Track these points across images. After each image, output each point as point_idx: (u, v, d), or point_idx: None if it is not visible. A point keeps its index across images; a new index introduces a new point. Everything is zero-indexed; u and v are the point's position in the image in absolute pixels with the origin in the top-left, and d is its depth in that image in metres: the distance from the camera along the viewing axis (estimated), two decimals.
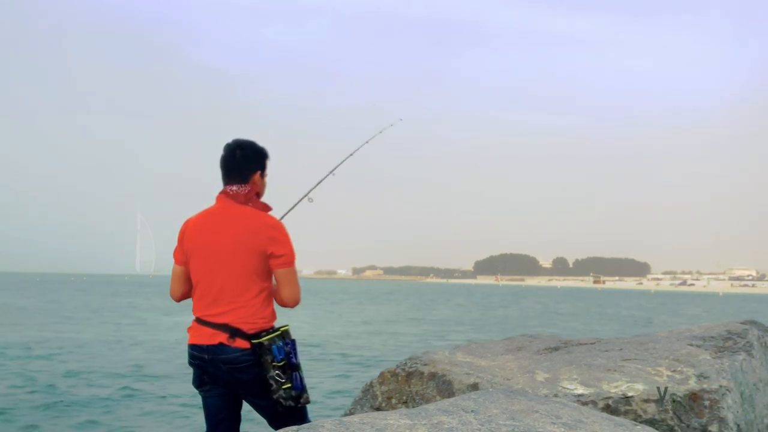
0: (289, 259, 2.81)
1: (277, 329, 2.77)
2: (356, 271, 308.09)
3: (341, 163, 3.73)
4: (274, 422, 2.77)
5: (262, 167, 2.94)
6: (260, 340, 2.69)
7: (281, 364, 2.69)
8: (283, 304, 2.84)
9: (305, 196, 3.55)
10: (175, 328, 21.67)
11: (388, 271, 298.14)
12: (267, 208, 2.91)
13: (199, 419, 2.94)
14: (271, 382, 2.67)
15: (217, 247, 2.78)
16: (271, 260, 2.77)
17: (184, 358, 2.96)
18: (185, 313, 3.03)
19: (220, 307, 2.75)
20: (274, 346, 2.69)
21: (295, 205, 3.40)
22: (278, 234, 2.80)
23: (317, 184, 3.62)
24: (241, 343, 2.69)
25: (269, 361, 2.68)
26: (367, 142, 3.86)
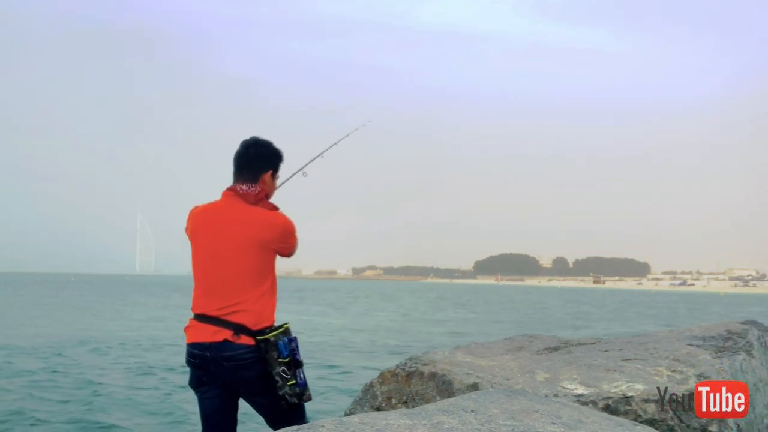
0: (293, 251, 2.93)
1: (281, 326, 2.76)
2: (356, 271, 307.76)
3: (329, 148, 3.63)
4: (274, 421, 2.76)
5: (275, 168, 2.93)
6: (266, 336, 2.68)
7: (287, 360, 2.68)
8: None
9: (299, 170, 3.46)
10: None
11: (388, 271, 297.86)
12: (275, 208, 2.91)
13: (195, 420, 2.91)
14: (277, 378, 2.66)
15: (224, 245, 2.77)
16: (279, 253, 2.85)
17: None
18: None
19: (225, 303, 2.72)
20: (280, 342, 2.68)
21: (289, 178, 3.35)
22: (289, 236, 2.85)
23: (309, 162, 3.54)
24: (246, 340, 2.68)
25: (275, 357, 2.66)
26: (347, 135, 3.84)
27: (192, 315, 2.82)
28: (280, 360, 2.67)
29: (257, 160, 2.88)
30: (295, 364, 2.72)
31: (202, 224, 2.84)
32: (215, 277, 2.77)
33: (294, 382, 2.69)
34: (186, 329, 2.81)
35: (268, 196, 2.91)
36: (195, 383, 2.81)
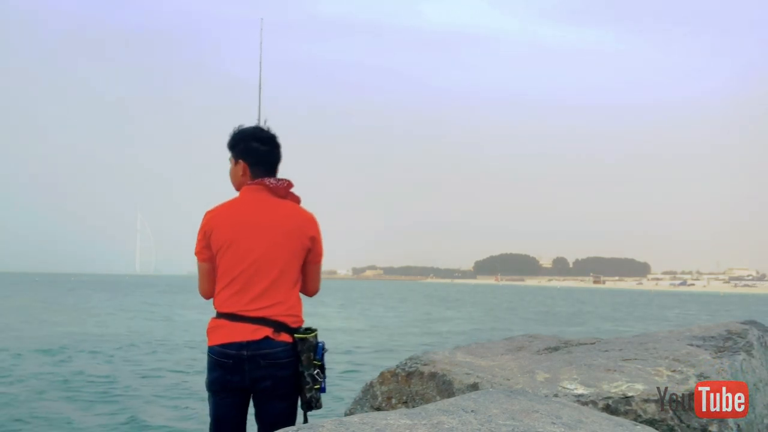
0: (321, 254, 2.85)
1: (313, 328, 2.71)
2: (356, 271, 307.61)
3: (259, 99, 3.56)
4: (270, 426, 2.67)
5: None
6: (305, 335, 2.63)
7: (320, 363, 2.65)
8: (305, 293, 2.86)
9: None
10: None
11: (388, 271, 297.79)
12: (299, 200, 2.84)
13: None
14: (309, 380, 2.60)
15: (265, 240, 2.66)
16: (308, 256, 2.78)
17: None
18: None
19: (265, 300, 2.63)
20: (319, 344, 2.65)
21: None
22: (317, 229, 2.81)
23: None
24: (285, 338, 2.61)
25: (311, 358, 2.61)
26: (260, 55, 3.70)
27: (216, 314, 2.70)
28: (315, 362, 2.62)
29: (277, 155, 2.82)
30: (322, 369, 2.67)
31: (234, 222, 2.69)
32: (254, 275, 2.65)
33: (319, 386, 2.64)
34: (213, 330, 2.66)
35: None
36: (217, 386, 2.64)
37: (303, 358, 2.61)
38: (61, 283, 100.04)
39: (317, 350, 2.64)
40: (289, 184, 2.79)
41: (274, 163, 2.81)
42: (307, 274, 2.83)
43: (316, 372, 2.62)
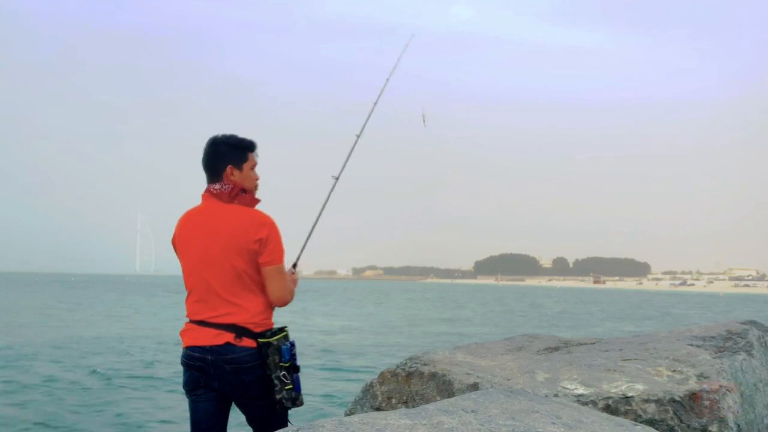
0: (274, 257, 2.71)
1: (282, 329, 2.71)
2: (356, 271, 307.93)
3: (365, 123, 3.52)
4: (261, 426, 2.73)
5: (235, 162, 2.77)
6: (269, 339, 2.64)
7: (287, 364, 2.65)
8: (272, 303, 2.78)
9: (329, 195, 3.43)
10: None
11: (388, 271, 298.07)
12: (254, 202, 2.80)
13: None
14: (276, 382, 2.63)
15: (208, 248, 2.69)
16: (258, 258, 2.69)
17: None
18: None
19: (222, 308, 2.66)
20: (283, 347, 2.65)
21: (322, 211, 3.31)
22: (266, 230, 2.69)
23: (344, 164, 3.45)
24: (248, 343, 2.63)
25: (276, 361, 2.63)
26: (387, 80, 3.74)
27: (188, 320, 2.76)
28: (281, 364, 2.64)
29: (213, 160, 2.78)
30: (293, 369, 2.69)
31: (188, 230, 2.77)
32: (206, 284, 2.69)
33: (291, 386, 2.66)
34: (183, 333, 2.75)
35: (245, 190, 2.79)
36: (191, 386, 2.73)
37: (269, 361, 2.64)
38: (62, 282, 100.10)
39: (282, 352, 2.65)
40: (236, 187, 2.76)
41: (206, 168, 2.80)
42: (265, 280, 2.72)
43: (282, 374, 2.64)
